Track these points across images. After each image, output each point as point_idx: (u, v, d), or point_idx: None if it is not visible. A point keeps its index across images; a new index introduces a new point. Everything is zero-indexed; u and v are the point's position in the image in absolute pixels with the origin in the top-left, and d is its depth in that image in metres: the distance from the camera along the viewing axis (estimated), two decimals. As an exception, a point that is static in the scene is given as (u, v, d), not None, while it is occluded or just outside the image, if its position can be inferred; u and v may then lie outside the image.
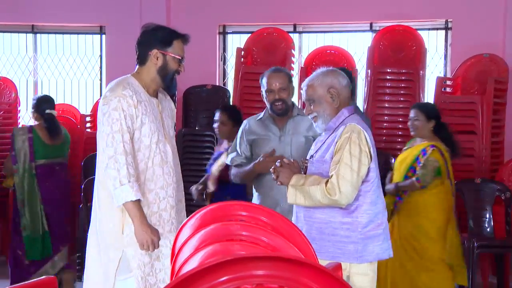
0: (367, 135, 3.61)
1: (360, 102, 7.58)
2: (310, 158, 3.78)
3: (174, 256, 2.90)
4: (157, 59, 3.80)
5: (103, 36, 8.75)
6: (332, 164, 3.60)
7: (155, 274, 3.76)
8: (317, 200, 3.58)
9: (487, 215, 6.72)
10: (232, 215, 2.89)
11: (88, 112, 8.51)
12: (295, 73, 8.03)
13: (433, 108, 6.05)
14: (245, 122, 4.80)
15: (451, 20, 8.10)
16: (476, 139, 7.16)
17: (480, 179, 6.79)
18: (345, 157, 3.56)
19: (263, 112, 4.71)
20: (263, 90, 4.60)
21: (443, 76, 8.01)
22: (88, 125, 8.27)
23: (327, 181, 3.56)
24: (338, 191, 3.52)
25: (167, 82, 3.87)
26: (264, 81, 4.59)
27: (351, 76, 4.32)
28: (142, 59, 3.85)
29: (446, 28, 8.17)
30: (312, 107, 3.75)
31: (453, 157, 5.91)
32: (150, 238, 3.63)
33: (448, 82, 7.69)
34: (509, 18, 7.76)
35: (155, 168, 3.78)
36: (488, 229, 6.70)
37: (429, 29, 8.22)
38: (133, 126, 3.68)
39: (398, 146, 7.37)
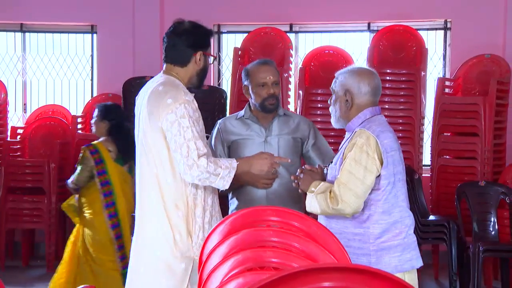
0: (379, 141, 3.37)
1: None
2: (329, 164, 3.61)
3: (202, 263, 2.74)
4: (200, 60, 3.69)
5: (94, 35, 8.54)
6: (339, 172, 3.43)
7: None
8: (324, 209, 3.41)
9: (492, 219, 6.60)
10: (263, 221, 2.73)
11: (79, 113, 8.30)
12: (293, 74, 7.88)
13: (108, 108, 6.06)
14: (220, 122, 4.33)
15: (450, 20, 8.00)
16: (478, 141, 7.04)
17: (484, 182, 6.67)
18: (348, 164, 3.36)
19: (243, 111, 4.26)
20: (250, 85, 4.15)
21: (442, 76, 7.89)
22: (79, 126, 8.06)
23: (331, 190, 3.40)
24: (340, 200, 3.33)
25: (202, 81, 3.78)
26: (252, 75, 4.16)
27: None
28: (182, 61, 3.69)
29: (445, 28, 8.06)
30: (332, 100, 3.60)
31: (126, 160, 5.89)
32: (269, 163, 3.69)
33: (448, 83, 7.57)
34: (509, 18, 7.68)
35: None
36: (493, 233, 6.58)
37: (427, 29, 8.11)
38: (200, 130, 3.57)
39: (398, 148, 7.24)
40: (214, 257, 2.70)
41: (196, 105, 3.59)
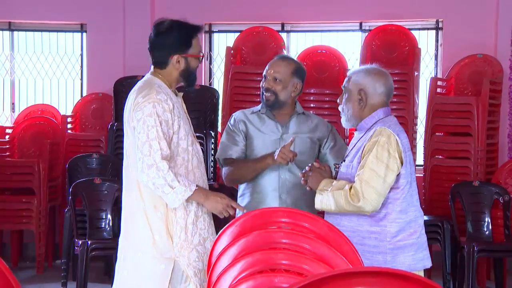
0: (399, 139, 3.40)
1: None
2: (341, 162, 3.59)
3: (211, 265, 2.69)
4: (179, 63, 3.62)
5: (84, 34, 8.45)
6: (358, 169, 3.41)
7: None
8: (341, 206, 3.40)
9: (486, 219, 6.59)
10: (274, 222, 2.69)
11: (69, 113, 8.21)
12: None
13: None
14: (236, 114, 4.20)
15: (441, 20, 7.98)
16: (471, 141, 7.02)
17: (478, 182, 6.66)
18: (371, 161, 3.36)
19: (259, 105, 4.18)
20: None
21: (434, 76, 7.88)
22: (69, 126, 7.98)
23: (351, 187, 3.38)
24: (362, 197, 3.33)
25: (190, 81, 3.72)
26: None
27: None
28: (161, 64, 3.65)
29: (437, 28, 8.05)
30: (343, 99, 3.58)
31: None
32: (223, 204, 3.54)
33: (440, 83, 7.56)
34: (501, 18, 7.67)
35: (195, 171, 3.63)
36: (487, 233, 6.57)
37: (419, 29, 8.09)
38: (168, 132, 3.51)
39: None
40: (223, 259, 2.66)
41: (171, 106, 3.50)
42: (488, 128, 7.07)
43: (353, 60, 8.00)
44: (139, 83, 3.65)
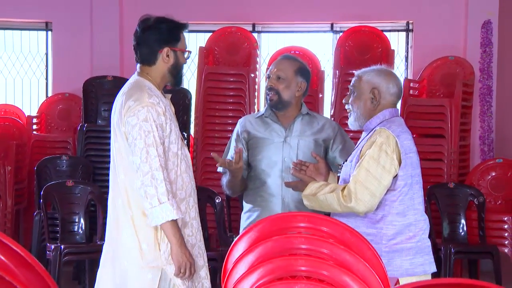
0: (399, 141, 3.33)
1: (328, 105, 7.39)
2: (343, 162, 3.55)
3: (227, 272, 2.59)
4: (168, 57, 3.50)
5: (49, 32, 8.23)
6: (355, 170, 3.36)
7: (195, 287, 3.50)
8: (334, 208, 3.36)
9: (461, 220, 6.61)
10: (293, 227, 2.59)
11: (34, 113, 7.98)
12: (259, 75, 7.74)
13: None
14: (241, 120, 4.11)
15: (412, 21, 8.00)
16: (444, 143, 7.04)
17: (453, 184, 6.68)
18: (367, 162, 3.31)
19: (265, 109, 4.08)
20: None
21: (406, 78, 7.89)
22: (34, 127, 7.75)
23: (344, 187, 3.33)
24: (354, 197, 3.28)
25: (178, 79, 3.60)
26: None
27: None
28: (149, 60, 3.51)
29: (407, 30, 8.07)
30: (351, 98, 3.51)
31: None
32: (189, 262, 3.36)
33: (412, 85, 7.57)
34: (470, 21, 7.72)
35: (183, 176, 3.48)
36: (462, 234, 6.60)
37: (390, 30, 8.08)
38: (163, 136, 3.38)
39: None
40: (240, 266, 2.56)
41: (163, 108, 3.40)
42: (460, 130, 7.10)
43: (324, 61, 7.96)
44: (127, 86, 3.52)
